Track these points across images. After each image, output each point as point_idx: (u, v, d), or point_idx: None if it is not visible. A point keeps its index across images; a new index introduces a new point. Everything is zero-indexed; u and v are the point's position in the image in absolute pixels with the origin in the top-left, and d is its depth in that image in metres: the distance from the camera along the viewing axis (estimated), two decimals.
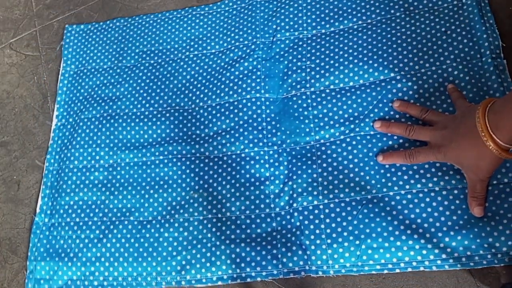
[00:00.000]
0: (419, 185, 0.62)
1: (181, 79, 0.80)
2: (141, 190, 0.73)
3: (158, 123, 0.77)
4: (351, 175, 0.66)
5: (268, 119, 0.73)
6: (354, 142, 0.67)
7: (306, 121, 0.70)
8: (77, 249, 0.71)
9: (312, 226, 0.65)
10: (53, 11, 0.92)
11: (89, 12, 0.91)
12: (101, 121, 0.79)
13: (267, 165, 0.70)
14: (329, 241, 0.63)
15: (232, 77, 0.77)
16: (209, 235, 0.68)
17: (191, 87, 0.79)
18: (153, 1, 0.88)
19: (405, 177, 0.63)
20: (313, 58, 0.74)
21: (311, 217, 0.65)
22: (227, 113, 0.74)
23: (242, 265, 0.65)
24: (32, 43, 0.91)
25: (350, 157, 0.67)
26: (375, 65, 0.70)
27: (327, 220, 0.64)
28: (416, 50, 0.69)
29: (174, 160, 0.74)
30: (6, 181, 0.80)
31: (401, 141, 0.65)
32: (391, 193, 0.63)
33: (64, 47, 0.89)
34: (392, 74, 0.69)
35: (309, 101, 0.71)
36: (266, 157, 0.70)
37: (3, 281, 0.73)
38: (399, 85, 0.68)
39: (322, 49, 0.74)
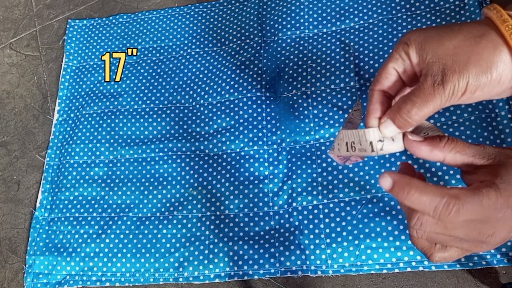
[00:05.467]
0: None
1: (182, 76, 0.80)
2: (140, 187, 0.73)
3: (159, 119, 0.77)
4: (351, 174, 0.66)
5: (268, 117, 0.73)
6: None
7: (306, 120, 0.70)
8: (76, 244, 0.71)
9: (311, 226, 0.64)
10: (53, 11, 0.93)
11: (89, 12, 0.91)
12: (102, 117, 0.80)
13: (266, 164, 0.70)
14: (328, 240, 0.63)
15: (233, 75, 0.77)
16: (207, 232, 0.68)
17: (191, 85, 0.79)
18: (153, 1, 0.89)
19: None
20: (314, 57, 0.74)
21: (311, 216, 0.65)
22: (227, 111, 0.74)
23: (240, 263, 0.65)
24: (32, 43, 0.91)
25: None
26: (376, 65, 0.70)
27: (326, 220, 0.64)
28: None
29: (174, 157, 0.74)
30: (6, 181, 0.80)
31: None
32: None
33: (66, 41, 0.89)
34: None
35: (309, 100, 0.71)
36: (266, 156, 0.70)
37: (3, 281, 0.73)
38: None
39: (323, 49, 0.74)
